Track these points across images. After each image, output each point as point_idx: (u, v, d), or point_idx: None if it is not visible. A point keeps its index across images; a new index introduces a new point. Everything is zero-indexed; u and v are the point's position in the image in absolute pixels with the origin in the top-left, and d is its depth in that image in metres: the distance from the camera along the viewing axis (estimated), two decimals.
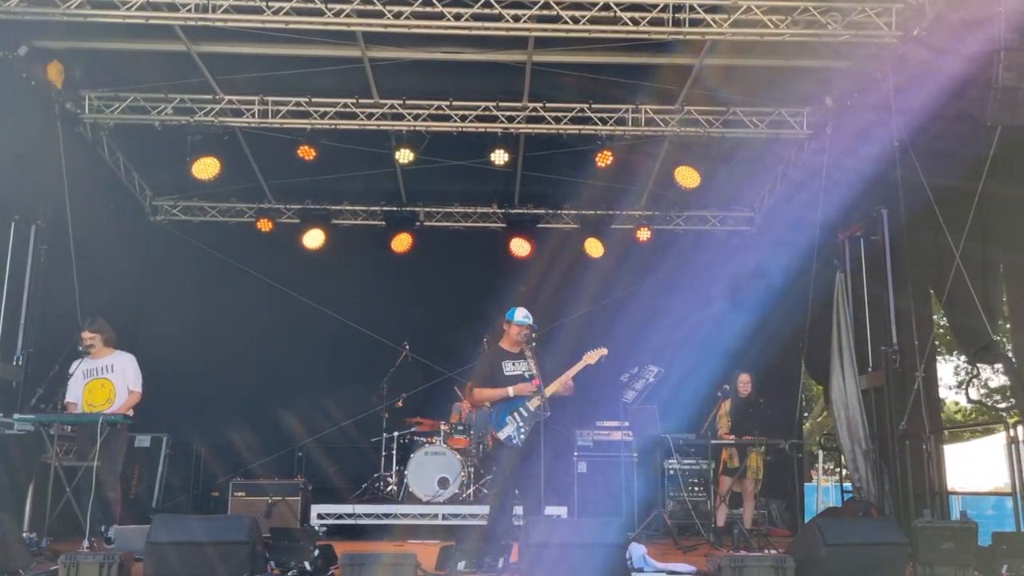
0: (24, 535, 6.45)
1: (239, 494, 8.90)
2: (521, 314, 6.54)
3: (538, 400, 6.32)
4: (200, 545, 5.41)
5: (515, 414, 6.35)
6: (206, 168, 9.85)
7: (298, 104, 9.76)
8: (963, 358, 22.56)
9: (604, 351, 6.56)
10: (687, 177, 10.12)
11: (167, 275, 11.54)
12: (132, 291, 11.17)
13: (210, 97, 9.72)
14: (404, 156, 9.99)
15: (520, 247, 11.86)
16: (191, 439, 10.56)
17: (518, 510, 6.73)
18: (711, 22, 7.98)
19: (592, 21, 7.97)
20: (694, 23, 7.97)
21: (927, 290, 8.13)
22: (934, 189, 7.40)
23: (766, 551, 7.15)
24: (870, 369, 8.68)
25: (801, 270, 9.73)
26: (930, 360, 7.97)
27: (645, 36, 8.09)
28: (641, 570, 6.07)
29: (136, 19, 7.80)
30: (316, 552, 5.94)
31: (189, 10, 7.76)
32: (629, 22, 7.95)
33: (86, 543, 6.31)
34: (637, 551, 6.23)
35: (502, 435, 6.32)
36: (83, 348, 7.12)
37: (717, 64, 9.00)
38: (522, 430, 6.30)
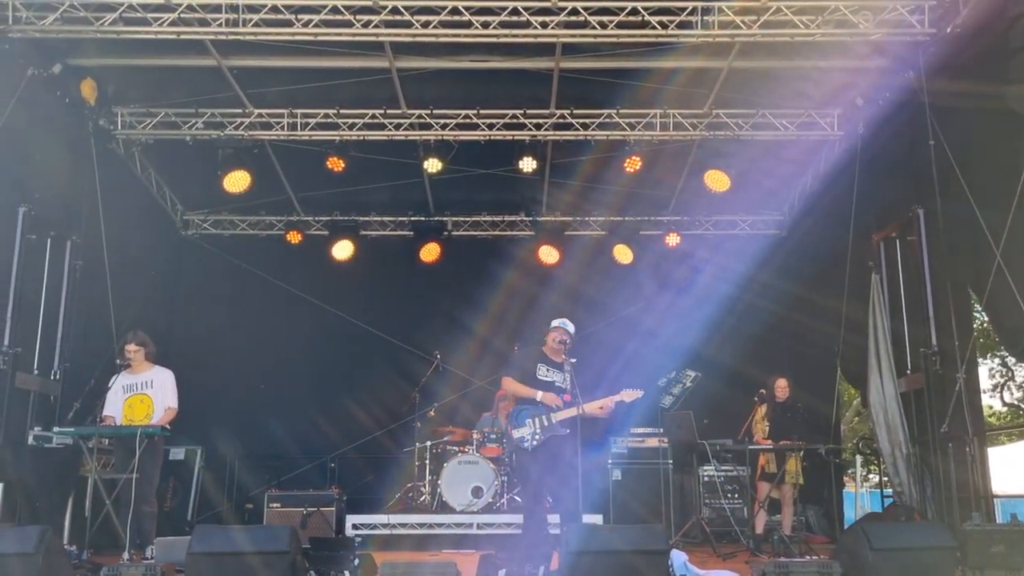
0: (65, 547, 6.49)
1: (274, 505, 8.90)
2: (558, 321, 6.62)
3: (566, 413, 6.31)
4: (241, 555, 5.40)
5: (536, 418, 6.38)
6: (237, 182, 9.93)
7: (326, 116, 9.82)
8: (996, 361, 22.22)
9: (639, 393, 6.51)
10: (717, 181, 10.05)
11: (198, 288, 11.70)
12: (164, 304, 11.30)
13: (240, 111, 9.80)
14: (432, 166, 10.00)
15: (548, 255, 11.83)
16: (225, 451, 10.64)
17: (554, 519, 6.69)
18: (740, 24, 7.91)
19: (620, 26, 7.93)
20: (723, 25, 7.91)
21: (966, 290, 7.99)
22: (971, 187, 7.28)
23: (808, 557, 7.05)
24: (908, 372, 8.53)
25: (835, 273, 9.60)
26: (971, 361, 7.82)
27: (674, 39, 8.04)
28: None
29: (167, 35, 7.90)
30: (356, 561, 5.93)
31: (220, 25, 7.82)
32: (657, 26, 7.89)
33: (126, 555, 6.36)
34: (678, 558, 6.18)
35: (516, 434, 6.36)
36: (123, 361, 7.15)
37: (746, 66, 8.92)
38: (537, 435, 6.32)
